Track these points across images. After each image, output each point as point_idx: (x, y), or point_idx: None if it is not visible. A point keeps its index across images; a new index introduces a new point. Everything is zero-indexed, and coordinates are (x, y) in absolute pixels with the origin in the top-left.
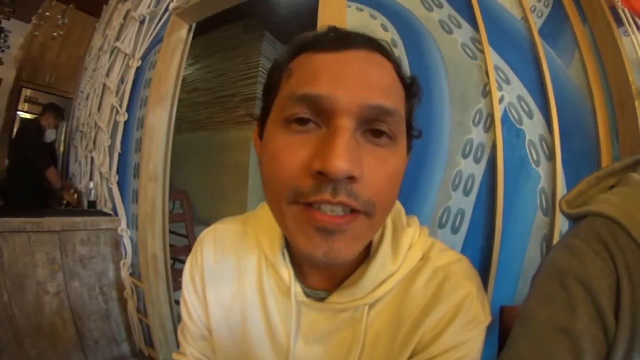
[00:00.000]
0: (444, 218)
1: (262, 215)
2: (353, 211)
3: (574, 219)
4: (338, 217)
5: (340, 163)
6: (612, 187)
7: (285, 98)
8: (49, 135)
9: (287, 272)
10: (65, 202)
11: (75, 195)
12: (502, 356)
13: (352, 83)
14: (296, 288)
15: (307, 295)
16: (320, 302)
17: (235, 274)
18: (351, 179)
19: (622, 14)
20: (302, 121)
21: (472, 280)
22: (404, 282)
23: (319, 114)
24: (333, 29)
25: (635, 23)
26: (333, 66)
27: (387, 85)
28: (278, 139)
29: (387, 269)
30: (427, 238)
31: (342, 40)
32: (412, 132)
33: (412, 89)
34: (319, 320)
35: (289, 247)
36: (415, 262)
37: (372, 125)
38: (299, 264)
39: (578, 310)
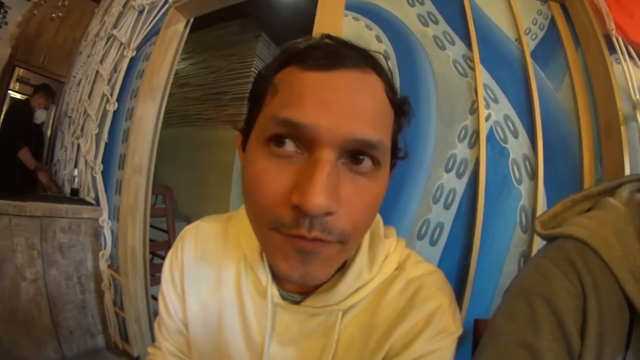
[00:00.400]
0: (423, 230)
1: (244, 217)
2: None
3: (547, 240)
4: (311, 241)
5: (318, 200)
6: (588, 210)
7: (269, 118)
8: (39, 115)
9: (264, 274)
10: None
11: (49, 179)
12: None
13: (337, 112)
14: (273, 290)
15: (283, 297)
16: (296, 305)
17: (214, 273)
18: (328, 213)
19: (615, 42)
20: (283, 142)
21: (444, 292)
22: (378, 290)
23: (300, 140)
24: (326, 37)
25: (628, 51)
26: (319, 90)
27: (375, 112)
28: (260, 161)
29: (362, 278)
30: (403, 249)
31: (332, 57)
32: (397, 153)
33: (402, 108)
34: (294, 323)
35: None
36: (390, 272)
37: (355, 152)
38: None
39: (541, 328)
